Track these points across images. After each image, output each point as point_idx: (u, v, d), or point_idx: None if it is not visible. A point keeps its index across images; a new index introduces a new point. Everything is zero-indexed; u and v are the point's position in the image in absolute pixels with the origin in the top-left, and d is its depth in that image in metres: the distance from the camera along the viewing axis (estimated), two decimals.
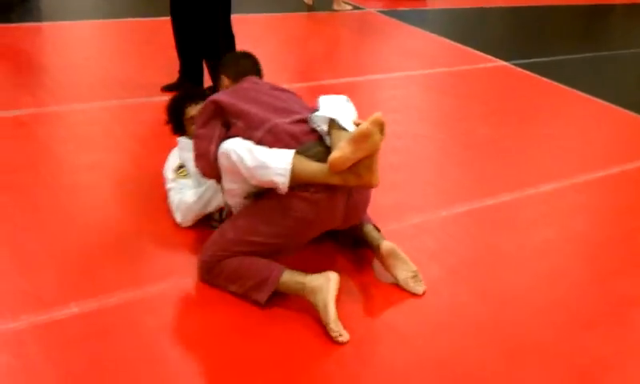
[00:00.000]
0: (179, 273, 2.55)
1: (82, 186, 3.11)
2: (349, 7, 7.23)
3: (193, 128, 2.74)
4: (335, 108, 2.51)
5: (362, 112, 2.63)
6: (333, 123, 2.43)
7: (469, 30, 7.25)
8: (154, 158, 3.39)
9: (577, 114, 4.87)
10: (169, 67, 4.45)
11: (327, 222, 2.50)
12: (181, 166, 2.94)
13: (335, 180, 2.35)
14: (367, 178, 2.36)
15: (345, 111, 2.53)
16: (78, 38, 5.45)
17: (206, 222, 2.83)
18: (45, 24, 5.68)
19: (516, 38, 7.24)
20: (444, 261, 2.81)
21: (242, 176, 2.36)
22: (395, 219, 3.00)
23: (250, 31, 5.98)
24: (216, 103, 2.55)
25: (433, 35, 6.62)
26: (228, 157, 2.35)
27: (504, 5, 8.49)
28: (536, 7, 8.65)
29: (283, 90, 2.77)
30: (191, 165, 2.78)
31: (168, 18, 4.27)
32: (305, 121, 2.52)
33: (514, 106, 4.87)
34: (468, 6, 8.27)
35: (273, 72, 4.97)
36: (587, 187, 3.67)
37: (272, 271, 2.40)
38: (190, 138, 2.83)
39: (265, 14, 6.73)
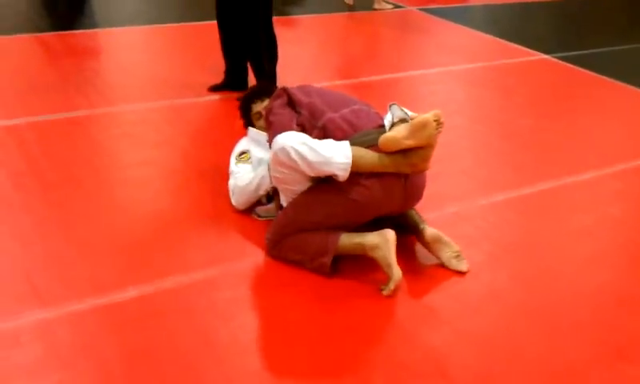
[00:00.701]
0: (228, 258, 2.70)
1: (133, 180, 3.28)
2: (389, 6, 7.32)
3: (260, 122, 3.10)
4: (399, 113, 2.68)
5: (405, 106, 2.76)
6: (403, 121, 2.61)
7: (509, 25, 7.26)
8: (203, 154, 3.57)
9: (617, 105, 4.87)
10: (214, 68, 4.62)
11: (385, 205, 2.64)
12: (243, 152, 3.12)
13: (390, 168, 2.53)
14: (420, 167, 2.55)
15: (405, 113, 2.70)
16: (127, 43, 5.67)
17: (253, 210, 2.99)
18: (97, 31, 5.91)
19: (557, 32, 7.22)
20: (483, 247, 2.89)
21: (299, 170, 2.51)
22: (435, 208, 3.08)
23: (292, 32, 6.13)
24: (286, 92, 2.83)
25: (473, 31, 6.66)
26: (288, 154, 2.49)
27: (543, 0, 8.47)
28: (577, 0, 8.59)
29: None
30: (254, 151, 3.06)
31: (212, 22, 4.44)
32: (362, 110, 2.73)
33: (555, 98, 4.90)
34: (508, 2, 8.27)
35: (315, 70, 5.14)
36: (626, 175, 3.69)
37: (330, 236, 2.58)
38: (258, 129, 3.13)
39: (307, 16, 6.87)
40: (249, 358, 2.19)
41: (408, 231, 2.83)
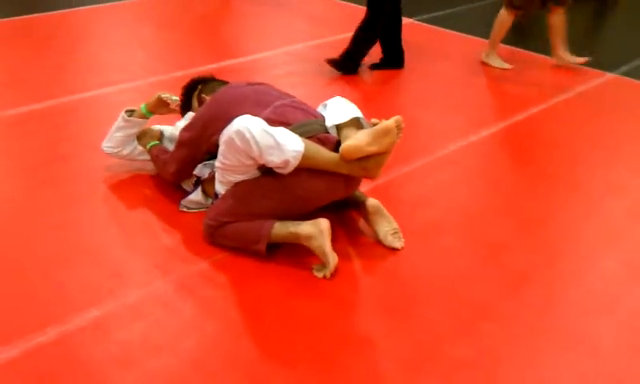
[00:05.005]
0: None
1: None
2: None
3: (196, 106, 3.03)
4: (346, 110, 2.69)
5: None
6: (357, 121, 2.65)
7: None
8: None
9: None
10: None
11: (327, 198, 2.69)
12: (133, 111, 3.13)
13: (342, 170, 2.53)
14: (373, 173, 2.56)
15: (353, 110, 2.72)
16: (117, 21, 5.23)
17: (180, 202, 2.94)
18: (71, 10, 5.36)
19: None
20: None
21: (249, 154, 2.46)
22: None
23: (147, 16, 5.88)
24: (206, 120, 2.75)
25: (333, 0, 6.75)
26: (243, 136, 2.43)
27: None
28: None
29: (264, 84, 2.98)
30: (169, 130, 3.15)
31: None
32: (286, 105, 2.72)
33: (427, 60, 5.12)
34: None
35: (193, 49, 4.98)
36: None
37: (264, 224, 2.56)
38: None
39: None
40: None
41: (349, 206, 2.90)
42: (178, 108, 3.10)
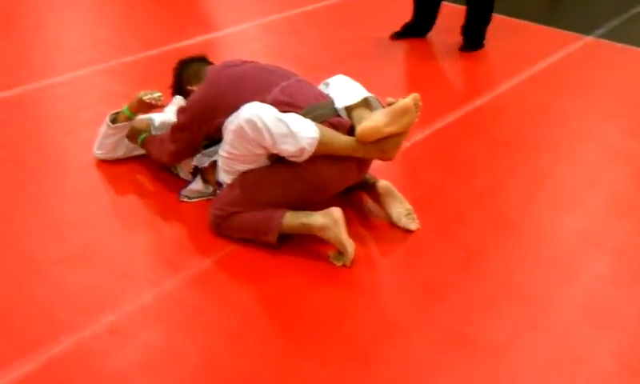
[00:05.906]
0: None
1: None
2: None
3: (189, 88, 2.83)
4: (354, 90, 2.58)
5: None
6: (366, 102, 2.55)
7: None
8: None
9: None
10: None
11: (341, 185, 2.59)
12: (117, 114, 2.93)
13: (359, 153, 2.43)
14: (390, 154, 2.45)
15: (360, 89, 2.61)
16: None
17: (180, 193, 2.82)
18: None
19: None
20: None
21: (261, 144, 2.34)
22: None
23: None
24: (205, 103, 2.57)
25: None
26: (254, 125, 2.30)
27: None
28: None
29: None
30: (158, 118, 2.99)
31: None
32: (292, 85, 2.58)
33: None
34: None
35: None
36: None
37: (274, 214, 2.43)
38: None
39: None
40: None
41: (358, 188, 2.79)
42: (162, 104, 2.88)
